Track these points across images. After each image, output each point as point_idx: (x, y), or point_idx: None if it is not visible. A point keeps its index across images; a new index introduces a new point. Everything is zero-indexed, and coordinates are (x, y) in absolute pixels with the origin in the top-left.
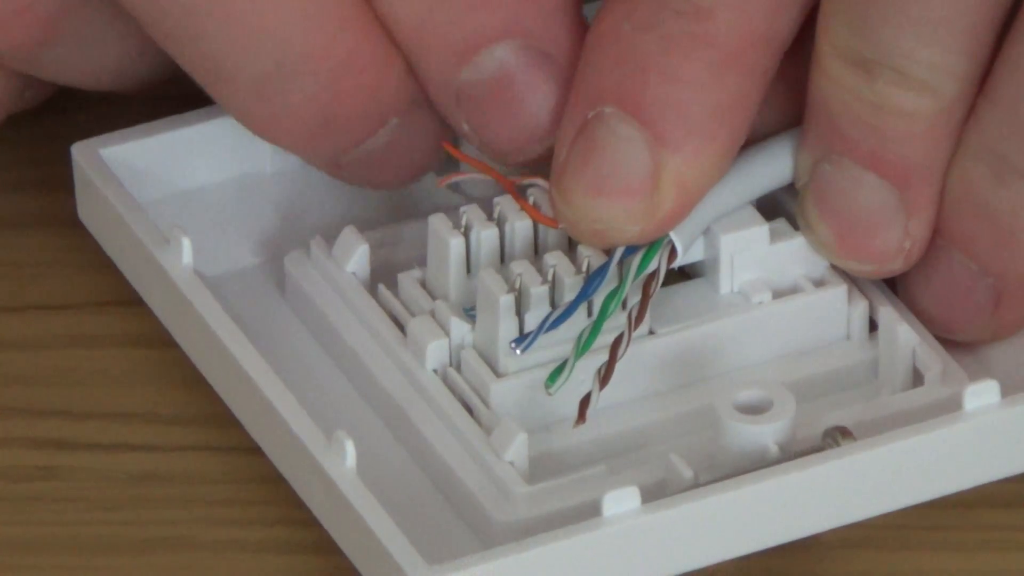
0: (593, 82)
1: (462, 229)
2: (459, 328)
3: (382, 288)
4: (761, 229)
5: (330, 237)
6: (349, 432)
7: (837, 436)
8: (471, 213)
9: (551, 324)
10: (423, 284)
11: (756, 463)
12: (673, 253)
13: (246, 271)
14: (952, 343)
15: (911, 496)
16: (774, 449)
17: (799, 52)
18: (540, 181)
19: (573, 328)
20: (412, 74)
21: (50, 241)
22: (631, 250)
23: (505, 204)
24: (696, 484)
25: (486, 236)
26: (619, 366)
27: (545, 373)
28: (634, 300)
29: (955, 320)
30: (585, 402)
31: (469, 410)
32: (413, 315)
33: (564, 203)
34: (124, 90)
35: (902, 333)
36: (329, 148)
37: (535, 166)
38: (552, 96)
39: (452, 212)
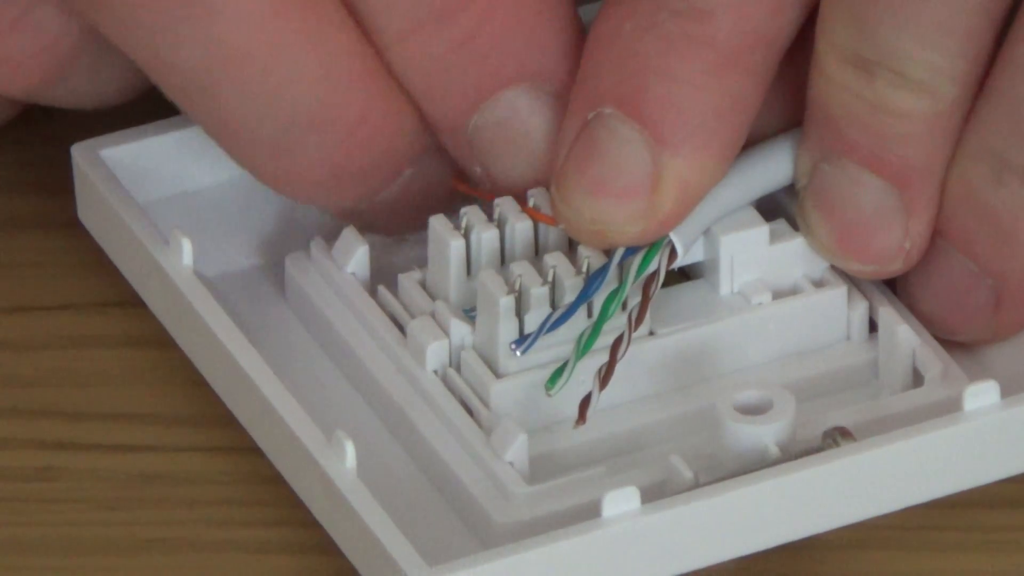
0: (593, 83)
1: (462, 230)
2: (459, 329)
3: (382, 289)
4: (761, 230)
5: (330, 238)
6: (349, 433)
7: (837, 437)
8: (471, 214)
9: (551, 325)
10: (423, 285)
11: (756, 464)
12: (673, 254)
13: (246, 272)
14: (952, 343)
15: (911, 496)
16: (774, 450)
17: (799, 52)
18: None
19: (573, 329)
20: (424, 124)
21: (50, 242)
22: (631, 251)
23: (505, 205)
24: (696, 485)
25: (486, 237)
26: (619, 367)
27: (545, 374)
28: (634, 301)
29: (955, 321)
30: (585, 403)
31: (469, 411)
32: (413, 316)
33: (564, 204)
34: (127, 100)
35: (902, 334)
36: (344, 200)
37: None
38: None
39: (452, 213)
